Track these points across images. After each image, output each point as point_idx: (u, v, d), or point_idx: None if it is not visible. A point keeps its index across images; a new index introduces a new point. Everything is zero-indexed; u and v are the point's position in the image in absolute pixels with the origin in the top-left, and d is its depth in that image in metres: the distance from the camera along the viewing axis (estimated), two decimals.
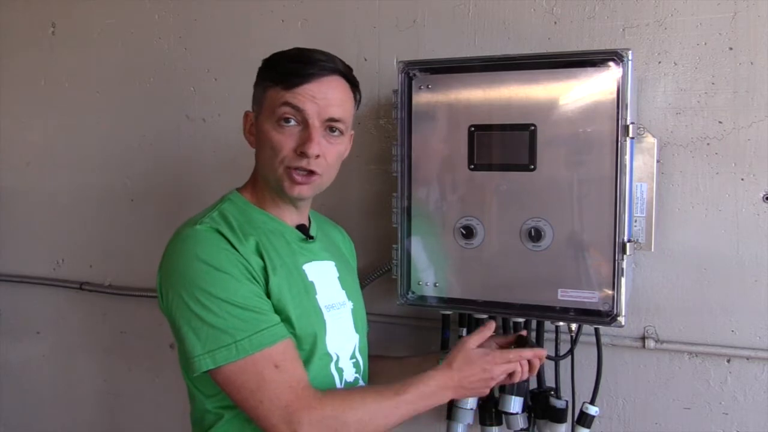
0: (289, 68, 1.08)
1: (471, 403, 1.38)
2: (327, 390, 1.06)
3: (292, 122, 1.07)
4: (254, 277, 1.03)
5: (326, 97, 1.07)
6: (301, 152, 1.06)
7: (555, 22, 1.43)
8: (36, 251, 2.01)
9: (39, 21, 1.95)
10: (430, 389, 1.08)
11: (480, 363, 1.11)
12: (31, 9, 1.96)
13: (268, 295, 1.05)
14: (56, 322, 2.01)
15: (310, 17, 1.64)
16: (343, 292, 1.20)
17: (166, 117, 1.81)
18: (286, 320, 1.05)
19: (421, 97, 1.31)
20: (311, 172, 1.08)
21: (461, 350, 1.13)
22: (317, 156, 1.07)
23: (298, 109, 1.06)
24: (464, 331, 1.41)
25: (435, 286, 1.32)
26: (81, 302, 1.95)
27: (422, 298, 1.34)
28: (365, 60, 1.59)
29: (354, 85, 1.14)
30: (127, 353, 1.92)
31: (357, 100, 1.16)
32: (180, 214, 1.13)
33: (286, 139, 1.07)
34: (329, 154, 1.09)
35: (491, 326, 1.20)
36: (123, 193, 1.88)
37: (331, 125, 1.09)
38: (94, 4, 1.88)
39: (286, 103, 1.06)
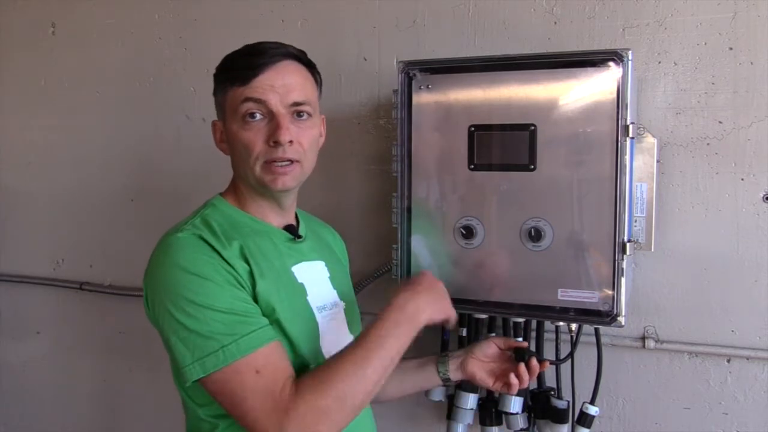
0: (241, 63, 1.07)
1: (471, 403, 1.38)
2: (300, 380, 0.99)
3: (258, 116, 1.05)
4: (239, 282, 1.01)
5: (285, 83, 1.06)
6: (273, 142, 1.04)
7: (555, 22, 1.43)
8: (36, 251, 2.01)
9: (39, 21, 1.95)
10: (391, 320, 1.03)
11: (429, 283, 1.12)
12: (31, 9, 1.96)
13: (256, 300, 1.03)
14: (56, 322, 2.01)
15: (310, 17, 1.64)
16: (335, 292, 1.18)
17: (166, 117, 1.81)
18: (276, 324, 1.03)
19: (421, 97, 1.31)
20: (290, 161, 1.06)
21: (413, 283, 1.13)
22: (290, 142, 1.05)
23: (260, 102, 1.04)
24: (464, 331, 1.41)
25: None
26: (81, 302, 1.95)
27: None
28: (365, 60, 1.59)
29: (310, 66, 1.12)
30: (127, 353, 1.92)
31: (318, 82, 1.14)
32: (180, 215, 1.12)
33: (255, 135, 1.05)
34: (303, 138, 1.08)
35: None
36: (123, 193, 1.88)
37: (297, 110, 1.07)
38: (94, 4, 1.88)
39: (247, 99, 1.05)
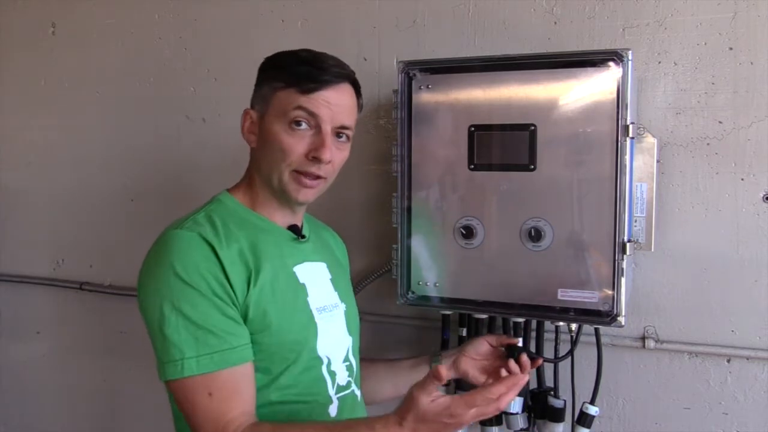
0: (303, 72, 1.07)
1: None
2: (254, 428, 0.97)
3: (304, 126, 1.06)
4: (227, 294, 1.00)
5: (339, 104, 1.08)
6: (314, 157, 1.06)
7: (555, 22, 1.43)
8: (36, 251, 2.01)
9: (39, 21, 1.95)
10: None
11: (439, 419, 0.90)
12: (31, 9, 1.96)
13: (247, 304, 1.02)
14: (56, 322, 2.01)
15: (310, 17, 1.64)
16: (336, 293, 1.18)
17: (166, 117, 1.81)
18: (267, 326, 1.03)
19: (421, 97, 1.31)
20: (318, 177, 1.08)
21: (412, 407, 0.90)
22: (328, 161, 1.07)
23: (313, 115, 1.06)
24: (464, 331, 1.41)
25: (435, 286, 1.32)
26: (81, 302, 1.95)
27: (422, 298, 1.34)
28: (365, 60, 1.59)
29: (359, 91, 1.15)
30: (127, 353, 1.92)
31: (360, 106, 1.16)
32: (180, 215, 1.12)
33: (297, 143, 1.06)
34: (337, 159, 1.10)
35: (440, 375, 0.90)
36: (123, 193, 1.88)
37: (340, 131, 1.10)
38: (94, 4, 1.88)
39: (301, 107, 1.05)
